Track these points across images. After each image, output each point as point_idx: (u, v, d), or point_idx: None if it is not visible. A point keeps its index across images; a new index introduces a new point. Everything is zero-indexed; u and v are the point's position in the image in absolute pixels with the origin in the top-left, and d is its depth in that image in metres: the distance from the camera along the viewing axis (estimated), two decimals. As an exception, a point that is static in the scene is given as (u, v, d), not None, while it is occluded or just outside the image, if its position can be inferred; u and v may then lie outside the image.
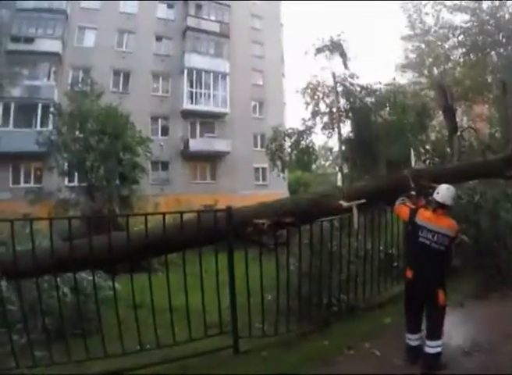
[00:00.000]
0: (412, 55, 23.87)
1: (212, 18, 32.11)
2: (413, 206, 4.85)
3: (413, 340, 4.66)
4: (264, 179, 32.67)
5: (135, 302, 4.93)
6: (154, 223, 5.51)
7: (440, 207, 4.58)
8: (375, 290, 6.50)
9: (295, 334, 5.45)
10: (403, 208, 4.93)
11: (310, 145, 19.41)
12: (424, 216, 4.61)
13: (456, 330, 5.30)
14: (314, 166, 24.65)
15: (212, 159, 31.34)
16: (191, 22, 31.14)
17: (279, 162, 19.63)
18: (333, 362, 4.71)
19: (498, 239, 7.33)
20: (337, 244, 6.13)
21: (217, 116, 31.55)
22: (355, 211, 5.84)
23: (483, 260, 7.21)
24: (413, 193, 5.31)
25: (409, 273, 4.64)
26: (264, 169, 30.15)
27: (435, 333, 4.45)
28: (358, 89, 18.38)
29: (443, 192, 4.62)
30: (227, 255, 5.14)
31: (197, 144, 30.07)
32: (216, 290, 5.11)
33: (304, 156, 19.53)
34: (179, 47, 30.96)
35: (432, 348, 4.43)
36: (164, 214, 5.10)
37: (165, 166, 29.80)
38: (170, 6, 31.57)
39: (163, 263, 5.46)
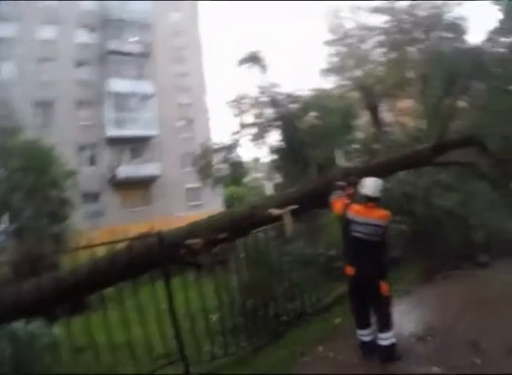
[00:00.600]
0: (334, 59, 23.87)
1: (134, 39, 31.37)
2: (347, 201, 4.85)
3: (365, 335, 4.69)
4: (197, 199, 31.60)
5: (76, 346, 4.79)
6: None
7: (369, 200, 4.61)
8: (320, 293, 6.51)
9: (247, 351, 5.35)
10: (337, 202, 4.94)
11: (239, 159, 19.07)
12: (355, 211, 4.62)
13: (407, 317, 5.51)
14: (246, 180, 24.19)
15: (143, 185, 30.42)
16: (113, 45, 30.19)
17: (209, 180, 19.13)
18: (289, 371, 4.68)
19: (434, 224, 7.53)
20: (275, 253, 6.19)
21: (145, 140, 30.79)
22: (287, 218, 5.62)
23: (422, 247, 7.50)
24: (343, 183, 5.27)
25: (349, 270, 4.63)
26: (196, 188, 29.38)
27: (385, 324, 4.50)
28: (282, 97, 18.22)
29: (370, 185, 4.67)
30: (164, 282, 4.88)
31: (126, 171, 29.25)
32: (159, 320, 4.91)
33: (235, 170, 19.23)
34: (101, 72, 29.92)
35: (384, 340, 4.46)
36: (92, 247, 4.85)
37: (95, 197, 28.71)
38: (91, 30, 30.46)
39: (105, 300, 5.22)
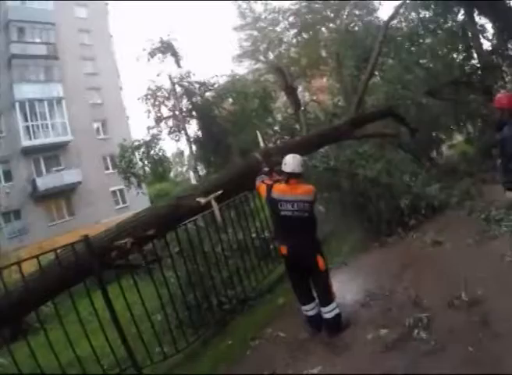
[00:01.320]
0: (246, 44, 23.77)
1: (37, 40, 29.27)
2: (270, 182, 4.88)
3: (309, 310, 4.73)
4: (123, 201, 30.67)
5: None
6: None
7: (291, 177, 4.60)
8: (260, 276, 6.63)
9: (197, 345, 5.37)
10: (261, 186, 4.99)
11: (160, 154, 18.59)
12: (279, 189, 4.65)
13: (348, 287, 5.66)
14: (171, 175, 23.62)
15: (66, 194, 28.66)
16: (15, 48, 27.93)
17: (133, 179, 18.62)
18: (243, 357, 4.75)
19: (361, 195, 7.66)
20: (209, 243, 6.12)
21: (60, 147, 28.89)
22: (214, 205, 5.61)
23: (354, 218, 7.76)
24: (266, 168, 5.37)
25: (283, 249, 4.65)
26: (121, 190, 28.73)
27: (326, 298, 4.57)
28: (197, 86, 18.07)
29: (289, 162, 4.65)
30: (101, 290, 4.70)
31: (46, 182, 27.33)
32: (104, 329, 4.73)
33: (158, 166, 18.72)
34: (7, 78, 27.57)
35: (328, 312, 4.54)
36: (18, 263, 4.39)
37: (17, 214, 26.82)
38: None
39: (45, 318, 5.14)
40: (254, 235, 7.04)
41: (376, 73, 11.61)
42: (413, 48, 12.99)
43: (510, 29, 14.00)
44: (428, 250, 6.16)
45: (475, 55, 13.48)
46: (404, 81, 11.19)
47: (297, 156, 4.74)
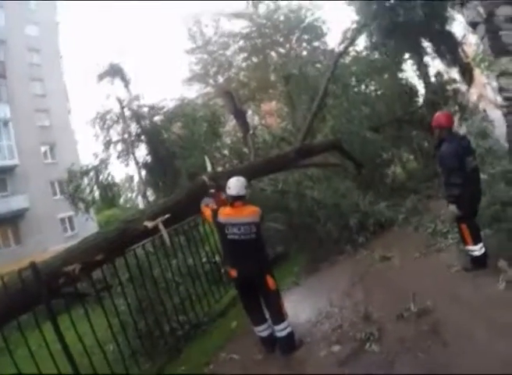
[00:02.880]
0: (196, 67, 23.89)
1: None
2: (215, 207, 4.93)
3: (262, 331, 4.77)
4: (72, 228, 29.56)
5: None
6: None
7: (236, 199, 4.65)
8: (211, 300, 6.59)
9: (151, 372, 5.21)
10: (206, 211, 5.09)
11: (109, 179, 18.08)
12: (225, 213, 4.68)
13: (300, 306, 5.71)
14: (121, 201, 23.18)
15: (12, 221, 27.24)
16: None
17: (81, 205, 18.02)
18: None
19: (310, 215, 7.88)
20: (159, 268, 6.04)
21: (7, 170, 27.43)
22: (162, 228, 5.47)
23: (304, 238, 7.88)
24: (212, 191, 5.43)
25: (233, 272, 4.66)
26: (70, 217, 27.86)
27: (278, 317, 4.60)
28: (146, 110, 17.90)
29: (233, 185, 4.69)
30: (50, 319, 4.50)
31: None
32: (54, 360, 4.51)
33: (107, 192, 18.24)
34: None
35: (281, 331, 4.59)
36: None
37: None
38: None
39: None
40: (204, 260, 7.09)
41: (325, 105, 11.95)
42: (359, 88, 13.68)
43: (453, 53, 15.19)
44: (377, 266, 6.34)
45: (419, 92, 14.44)
46: (350, 117, 11.62)
47: (241, 179, 4.79)
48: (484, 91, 16.86)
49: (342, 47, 18.08)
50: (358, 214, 7.90)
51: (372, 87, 14.14)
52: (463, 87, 15.82)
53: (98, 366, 4.87)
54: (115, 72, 18.23)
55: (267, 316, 4.76)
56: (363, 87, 13.86)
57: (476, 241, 4.98)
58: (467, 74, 16.52)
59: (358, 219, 7.82)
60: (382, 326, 4.32)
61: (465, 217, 5.00)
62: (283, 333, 4.57)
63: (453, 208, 4.99)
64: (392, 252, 6.57)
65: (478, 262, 4.97)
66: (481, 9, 5.84)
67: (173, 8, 63.92)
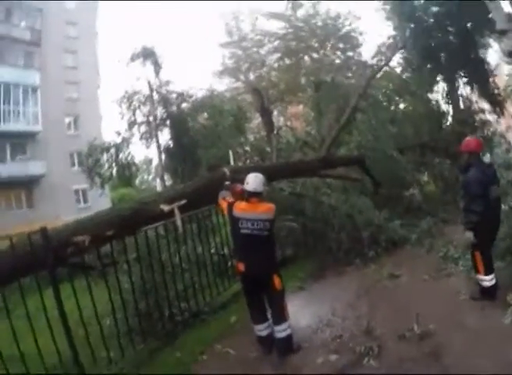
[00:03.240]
0: (229, 61, 24.01)
1: (23, 24, 28.42)
2: (231, 200, 4.92)
3: (262, 330, 4.77)
4: (85, 201, 29.66)
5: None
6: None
7: (253, 195, 4.66)
8: (214, 292, 6.56)
9: (144, 353, 5.22)
10: (223, 203, 5.05)
11: (129, 158, 18.46)
12: (240, 208, 4.66)
13: (302, 311, 5.68)
14: (137, 182, 23.43)
15: (27, 184, 27.52)
16: (0, 29, 26.97)
17: (97, 179, 18.44)
18: (188, 371, 4.67)
19: (324, 222, 7.86)
20: (167, 252, 6.00)
21: (28, 136, 27.81)
22: (177, 213, 5.54)
23: (314, 244, 7.88)
24: (228, 183, 5.48)
25: (241, 266, 4.67)
26: (84, 190, 27.81)
27: (280, 317, 4.60)
28: (174, 96, 18.22)
29: (251, 180, 4.71)
30: (52, 287, 4.54)
31: (8, 169, 26.15)
32: (51, 328, 4.51)
33: (125, 170, 18.60)
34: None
35: (280, 332, 4.57)
36: None
37: None
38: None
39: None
40: (213, 250, 7.05)
41: (354, 118, 11.91)
42: (389, 105, 13.72)
43: (484, 81, 15.17)
44: (385, 282, 6.30)
45: (448, 117, 14.48)
46: (376, 134, 11.55)
47: (259, 175, 4.79)
48: (513, 121, 16.78)
49: (375, 60, 18.18)
50: (371, 228, 7.88)
51: (402, 106, 14.17)
52: (491, 117, 15.77)
53: (93, 339, 4.89)
54: (147, 55, 18.32)
55: (268, 315, 4.78)
56: (392, 105, 13.90)
57: (488, 271, 4.94)
58: (498, 104, 16.47)
59: (371, 232, 7.81)
60: (382, 343, 4.31)
61: (480, 245, 4.96)
62: (283, 335, 4.56)
63: (469, 234, 4.96)
64: (401, 271, 6.55)
65: (488, 293, 4.93)
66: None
67: (214, 3, 64.24)
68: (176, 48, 54.98)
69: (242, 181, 4.96)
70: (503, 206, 5.75)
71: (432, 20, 14.99)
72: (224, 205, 4.98)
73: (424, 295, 5.50)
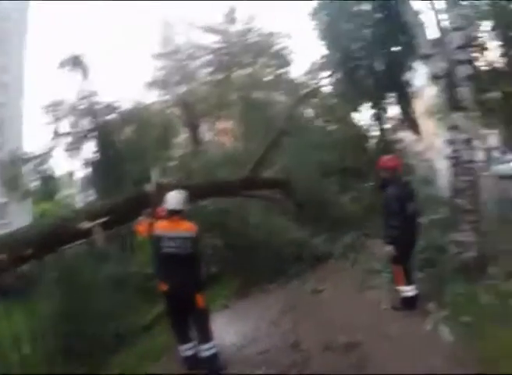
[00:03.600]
0: (159, 73, 23.71)
1: None
2: (149, 220, 4.97)
3: (186, 350, 4.71)
4: (4, 216, 27.56)
5: None
6: None
7: (173, 213, 4.63)
8: (137, 314, 6.45)
9: None
10: (139, 227, 5.14)
11: (51, 171, 18.04)
12: (161, 227, 4.65)
13: (227, 329, 5.69)
14: (60, 196, 22.56)
15: None
16: None
17: (17, 193, 17.40)
18: None
19: (247, 240, 7.85)
20: (88, 272, 5.89)
21: None
22: (98, 231, 5.43)
23: (238, 262, 7.80)
24: (149, 210, 5.47)
25: (164, 286, 4.59)
26: (4, 204, 26.11)
27: (205, 336, 4.58)
28: (101, 106, 17.55)
29: (172, 199, 4.70)
30: None
31: None
32: None
33: (47, 184, 17.97)
34: None
35: (206, 351, 4.53)
36: None
37: None
38: None
39: None
40: (134, 269, 6.98)
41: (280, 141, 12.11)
42: (316, 130, 14.12)
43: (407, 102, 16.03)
44: (307, 298, 6.47)
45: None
46: (302, 159, 11.61)
47: (180, 193, 4.78)
48: (434, 141, 17.74)
49: (306, 79, 18.61)
50: (293, 245, 8.02)
51: (328, 129, 14.61)
52: (412, 137, 16.63)
53: (12, 367, 4.72)
54: (76, 63, 17.67)
55: (193, 335, 4.74)
56: (318, 129, 14.29)
57: (408, 282, 5.18)
58: (413, 124, 17.41)
59: (292, 250, 7.94)
60: (308, 355, 4.42)
61: (399, 258, 5.19)
62: (208, 353, 4.52)
63: (389, 248, 5.19)
64: (325, 285, 6.74)
65: (409, 303, 5.19)
66: (443, 65, 6.21)
67: (151, 13, 63.32)
68: (109, 57, 53.51)
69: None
70: (421, 220, 6.03)
71: (358, 45, 15.58)
72: (141, 228, 5.04)
73: (348, 308, 5.72)
